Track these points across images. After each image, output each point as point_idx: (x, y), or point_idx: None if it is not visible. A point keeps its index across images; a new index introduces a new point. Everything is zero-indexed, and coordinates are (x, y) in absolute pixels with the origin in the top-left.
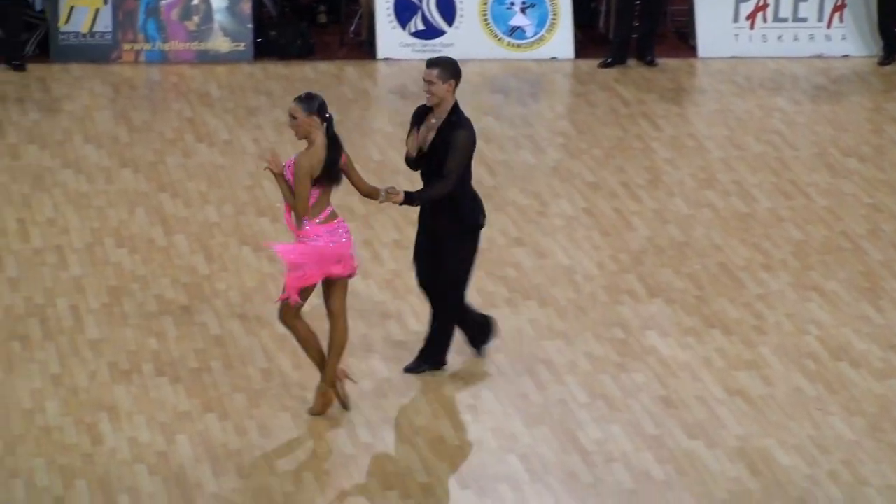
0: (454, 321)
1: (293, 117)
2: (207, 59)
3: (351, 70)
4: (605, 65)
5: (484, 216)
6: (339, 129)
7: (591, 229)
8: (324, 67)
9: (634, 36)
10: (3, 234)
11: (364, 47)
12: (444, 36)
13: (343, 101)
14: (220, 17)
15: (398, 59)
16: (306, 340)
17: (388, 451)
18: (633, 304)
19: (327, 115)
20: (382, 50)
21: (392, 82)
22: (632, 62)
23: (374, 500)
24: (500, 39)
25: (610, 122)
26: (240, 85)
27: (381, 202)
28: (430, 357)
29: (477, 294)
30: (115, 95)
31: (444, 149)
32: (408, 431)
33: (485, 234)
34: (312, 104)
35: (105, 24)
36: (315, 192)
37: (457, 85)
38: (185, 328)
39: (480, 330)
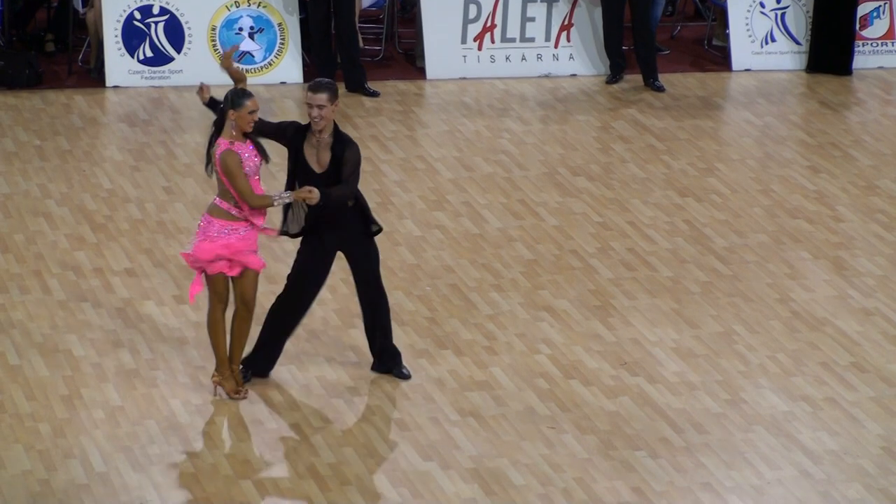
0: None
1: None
2: None
3: (80, 98)
4: None
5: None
6: (69, 159)
7: None
8: (52, 97)
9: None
10: None
11: (93, 75)
12: (173, 62)
13: (72, 129)
14: None
15: (127, 87)
16: None
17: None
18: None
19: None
20: (111, 78)
21: (121, 110)
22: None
23: None
24: None
25: None
26: None
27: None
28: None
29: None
30: None
31: (340, 164)
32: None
33: None
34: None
35: None
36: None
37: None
38: None
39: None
